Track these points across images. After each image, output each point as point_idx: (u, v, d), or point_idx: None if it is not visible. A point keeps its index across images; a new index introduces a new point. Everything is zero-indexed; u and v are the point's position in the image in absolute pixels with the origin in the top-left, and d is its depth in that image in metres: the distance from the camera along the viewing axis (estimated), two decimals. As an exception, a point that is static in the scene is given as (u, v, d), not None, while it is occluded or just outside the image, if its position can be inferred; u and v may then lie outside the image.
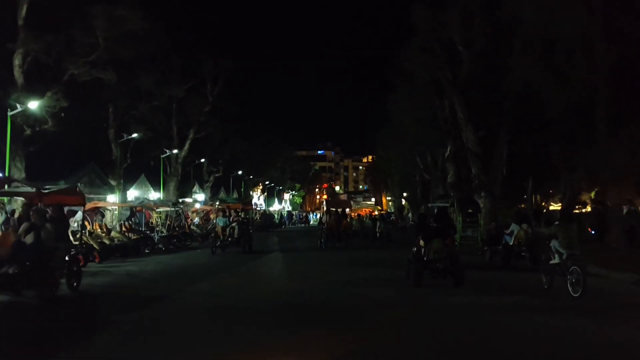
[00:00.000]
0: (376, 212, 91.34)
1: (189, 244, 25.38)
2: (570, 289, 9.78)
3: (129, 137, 29.64)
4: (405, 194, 77.44)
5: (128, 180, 32.35)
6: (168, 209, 26.59)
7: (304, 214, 79.67)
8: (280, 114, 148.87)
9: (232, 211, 23.22)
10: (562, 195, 37.00)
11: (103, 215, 25.32)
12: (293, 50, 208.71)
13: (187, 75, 34.99)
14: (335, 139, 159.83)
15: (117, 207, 26.49)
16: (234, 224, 21.32)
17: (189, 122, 37.75)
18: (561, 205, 38.18)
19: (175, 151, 35.96)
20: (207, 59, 35.60)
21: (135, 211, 23.88)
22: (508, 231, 15.73)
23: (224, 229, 21.16)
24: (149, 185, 33.96)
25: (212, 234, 22.57)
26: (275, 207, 78.16)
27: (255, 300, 9.92)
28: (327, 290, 11.21)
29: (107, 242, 18.76)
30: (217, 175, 49.52)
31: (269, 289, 11.46)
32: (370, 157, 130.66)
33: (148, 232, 23.80)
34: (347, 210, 31.29)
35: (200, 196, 46.90)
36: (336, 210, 25.93)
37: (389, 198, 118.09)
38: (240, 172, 56.37)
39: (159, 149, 35.51)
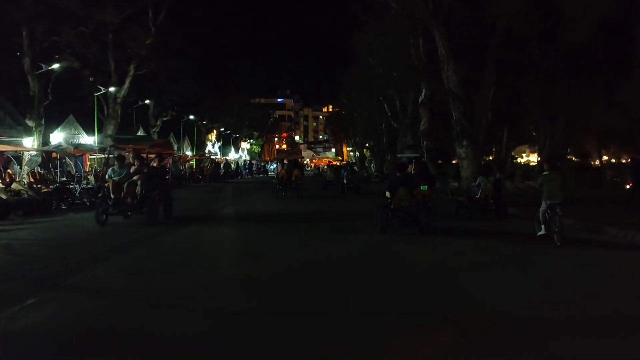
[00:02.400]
0: (337, 163, 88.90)
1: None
2: (555, 238, 9.90)
3: (49, 68, 24.53)
4: (367, 144, 74.38)
5: (53, 121, 27.48)
6: (96, 155, 22.29)
7: (262, 164, 75.64)
8: (236, 57, 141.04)
9: (135, 158, 14.47)
10: (542, 145, 34.58)
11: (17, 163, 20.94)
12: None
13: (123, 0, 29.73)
14: (295, 88, 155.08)
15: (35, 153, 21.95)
16: (135, 178, 13.36)
17: (129, 56, 32.67)
18: (540, 157, 35.88)
19: (112, 89, 30.96)
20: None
21: (47, 157, 19.44)
22: (475, 184, 15.52)
23: (117, 185, 13.17)
24: (80, 128, 29.15)
25: (99, 194, 14.12)
26: (232, 155, 73.64)
27: (183, 303, 5.89)
28: (291, 273, 7.61)
29: (3, 196, 14.53)
30: (165, 119, 44.67)
31: (208, 278, 7.20)
32: (330, 107, 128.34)
33: (70, 182, 19.60)
34: (300, 159, 31.26)
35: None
36: (289, 161, 25.71)
37: (349, 148, 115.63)
38: (192, 117, 51.41)
39: (93, 86, 30.48)
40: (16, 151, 19.62)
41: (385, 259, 8.98)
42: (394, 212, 11.41)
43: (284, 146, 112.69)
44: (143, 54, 32.40)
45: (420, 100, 32.96)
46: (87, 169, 23.63)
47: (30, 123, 24.09)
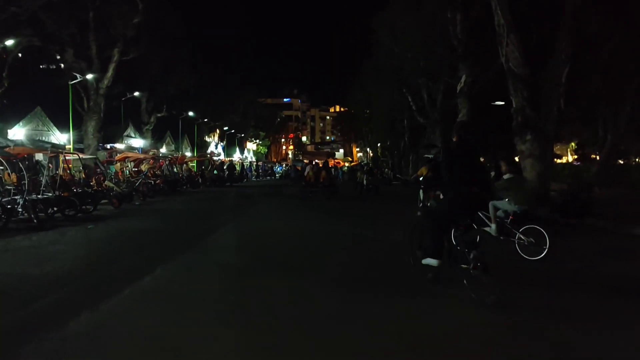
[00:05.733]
0: (346, 164, 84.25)
1: (90, 209, 16.02)
2: (521, 251, 8.27)
3: (2, 45, 19.42)
4: (379, 144, 69.33)
5: (14, 113, 22.38)
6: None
7: (270, 166, 70.47)
8: (241, 51, 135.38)
9: None
10: (601, 141, 29.52)
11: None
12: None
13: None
14: (301, 87, 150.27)
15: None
16: None
17: (113, 38, 27.52)
18: (599, 156, 30.81)
19: (90, 76, 25.79)
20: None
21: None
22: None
23: None
24: (50, 124, 23.98)
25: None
26: (237, 156, 68.46)
27: None
28: None
29: None
30: (160, 115, 39.53)
31: None
32: (337, 107, 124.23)
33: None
34: (332, 162, 29.98)
35: (138, 141, 37.07)
36: (318, 163, 25.80)
37: (358, 149, 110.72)
38: (191, 114, 46.27)
39: (68, 72, 25.36)
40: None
41: None
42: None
43: (291, 147, 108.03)
44: (130, 35, 27.23)
45: (459, 88, 27.65)
46: (60, 172, 18.73)
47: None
